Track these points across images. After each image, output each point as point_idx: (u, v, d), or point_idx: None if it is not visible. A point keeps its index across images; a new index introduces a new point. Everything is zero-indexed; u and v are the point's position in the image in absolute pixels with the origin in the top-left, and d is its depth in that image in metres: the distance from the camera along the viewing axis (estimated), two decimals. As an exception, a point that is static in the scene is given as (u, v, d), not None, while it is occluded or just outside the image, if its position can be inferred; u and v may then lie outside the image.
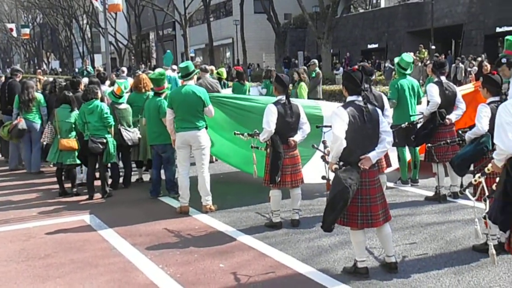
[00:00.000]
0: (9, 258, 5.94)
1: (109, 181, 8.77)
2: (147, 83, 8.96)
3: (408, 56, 8.51)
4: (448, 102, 7.46)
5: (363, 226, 4.91)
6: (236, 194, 8.31)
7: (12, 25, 55.83)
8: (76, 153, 8.57)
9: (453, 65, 25.17)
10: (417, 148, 8.28)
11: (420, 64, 23.24)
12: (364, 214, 4.87)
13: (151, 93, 8.60)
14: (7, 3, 71.03)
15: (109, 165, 8.65)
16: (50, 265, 5.67)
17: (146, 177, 9.47)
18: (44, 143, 9.25)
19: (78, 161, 8.63)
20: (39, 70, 31.45)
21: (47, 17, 64.51)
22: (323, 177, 5.78)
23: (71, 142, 8.55)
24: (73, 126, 8.57)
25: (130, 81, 12.54)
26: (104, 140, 8.22)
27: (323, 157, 5.91)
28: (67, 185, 8.85)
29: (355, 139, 4.78)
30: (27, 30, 53.80)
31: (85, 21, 58.85)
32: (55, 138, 8.74)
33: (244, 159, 8.22)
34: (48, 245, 6.34)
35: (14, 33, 54.96)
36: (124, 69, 16.70)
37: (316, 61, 16.14)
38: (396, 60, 8.52)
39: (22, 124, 10.17)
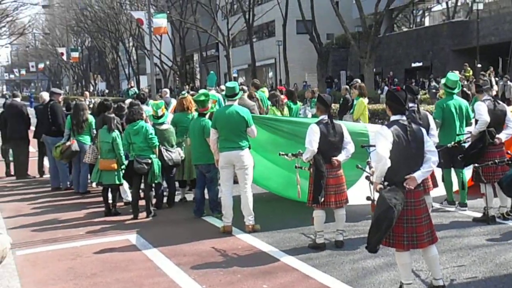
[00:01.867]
0: (57, 277, 6.06)
1: (154, 200, 8.88)
2: (192, 104, 9.11)
3: (454, 75, 8.35)
4: (497, 120, 7.29)
5: (409, 247, 4.82)
6: (279, 214, 8.30)
7: (62, 49, 58.09)
8: (116, 173, 8.73)
9: (501, 83, 24.57)
10: (464, 170, 8.04)
11: (466, 82, 22.82)
12: (409, 235, 4.79)
13: (195, 114, 8.72)
14: (58, 28, 73.62)
15: (153, 184, 8.76)
16: (97, 284, 5.76)
17: (189, 196, 9.55)
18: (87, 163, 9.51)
19: (117, 182, 8.78)
20: (86, 92, 32.37)
21: (95, 40, 66.39)
22: (368, 198, 5.71)
23: (111, 162, 8.71)
24: (112, 146, 8.71)
25: (174, 102, 12.77)
26: (149, 161, 8.35)
27: (367, 177, 5.85)
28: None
29: (399, 159, 4.72)
30: (76, 54, 55.82)
31: (131, 44, 60.30)
32: (97, 158, 8.95)
33: (285, 181, 8.20)
34: (95, 264, 6.45)
35: (64, 57, 57.02)
36: (167, 90, 16.93)
37: (359, 80, 16.05)
38: (443, 81, 8.38)
39: (75, 146, 10.42)
